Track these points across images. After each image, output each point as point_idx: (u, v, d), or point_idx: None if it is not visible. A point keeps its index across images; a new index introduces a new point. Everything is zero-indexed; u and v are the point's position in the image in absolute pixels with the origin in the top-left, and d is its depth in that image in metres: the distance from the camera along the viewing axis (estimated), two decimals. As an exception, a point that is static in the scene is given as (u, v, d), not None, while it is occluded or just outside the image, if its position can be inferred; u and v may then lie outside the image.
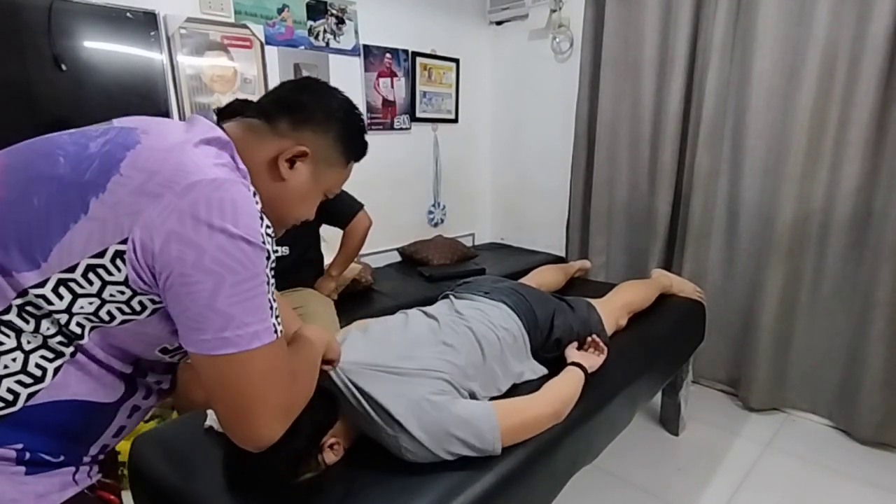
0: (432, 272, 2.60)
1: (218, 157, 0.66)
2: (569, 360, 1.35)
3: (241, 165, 0.70)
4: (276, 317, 0.65)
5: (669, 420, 2.06)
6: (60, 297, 0.59)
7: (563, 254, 3.00)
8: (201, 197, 0.59)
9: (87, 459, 0.69)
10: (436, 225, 3.25)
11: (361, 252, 2.03)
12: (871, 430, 1.93)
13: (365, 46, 2.64)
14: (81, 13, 1.78)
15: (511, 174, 3.37)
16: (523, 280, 1.87)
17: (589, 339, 1.46)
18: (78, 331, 0.61)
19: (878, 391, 1.90)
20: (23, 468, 0.61)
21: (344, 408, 1.05)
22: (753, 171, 2.13)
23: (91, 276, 0.59)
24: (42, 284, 0.59)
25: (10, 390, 0.59)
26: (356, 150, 0.84)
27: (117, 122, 0.70)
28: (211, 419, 1.17)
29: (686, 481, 1.79)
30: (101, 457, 0.73)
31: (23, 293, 0.59)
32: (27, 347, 0.60)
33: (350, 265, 2.05)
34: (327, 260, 2.01)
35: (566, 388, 1.24)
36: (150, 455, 1.11)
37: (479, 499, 0.97)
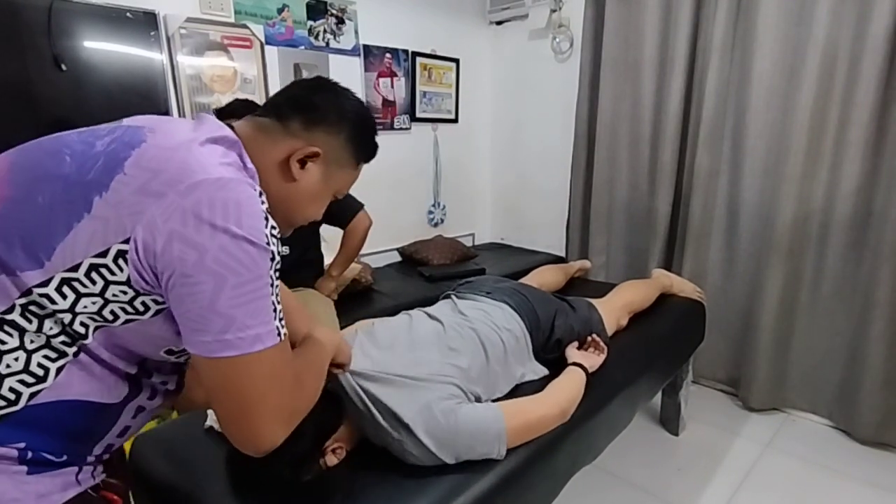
0: (432, 272, 2.60)
1: (224, 157, 0.66)
2: (569, 361, 1.35)
3: (250, 165, 0.70)
4: (281, 319, 0.64)
5: (669, 420, 2.06)
6: (64, 297, 0.59)
7: (563, 254, 3.00)
8: (204, 196, 0.58)
9: (90, 459, 0.68)
10: (436, 225, 3.25)
11: (361, 252, 2.03)
12: (871, 430, 1.93)
13: (365, 46, 2.64)
14: (81, 13, 1.78)
15: (511, 174, 3.37)
16: (523, 280, 1.87)
17: (589, 338, 1.46)
18: (82, 330, 0.61)
19: (878, 391, 1.90)
20: (24, 468, 0.60)
21: (349, 411, 1.05)
22: (753, 171, 2.13)
23: (94, 275, 0.59)
24: (45, 283, 0.58)
25: (11, 389, 0.59)
26: (367, 151, 0.84)
27: (127, 122, 0.70)
28: (211, 419, 1.17)
29: (686, 481, 1.79)
30: (106, 456, 0.72)
31: (27, 292, 0.58)
32: (30, 347, 0.60)
33: (350, 265, 2.05)
34: (327, 260, 2.01)
35: (569, 388, 1.24)
36: (150, 455, 1.11)
37: (480, 499, 0.97)
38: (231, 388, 0.62)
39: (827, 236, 2.00)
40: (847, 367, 2.01)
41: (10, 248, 0.59)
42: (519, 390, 1.29)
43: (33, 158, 0.65)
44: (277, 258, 0.64)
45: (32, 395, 0.60)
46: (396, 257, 2.98)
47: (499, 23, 3.20)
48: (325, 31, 2.48)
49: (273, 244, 0.63)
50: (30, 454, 0.61)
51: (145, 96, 1.96)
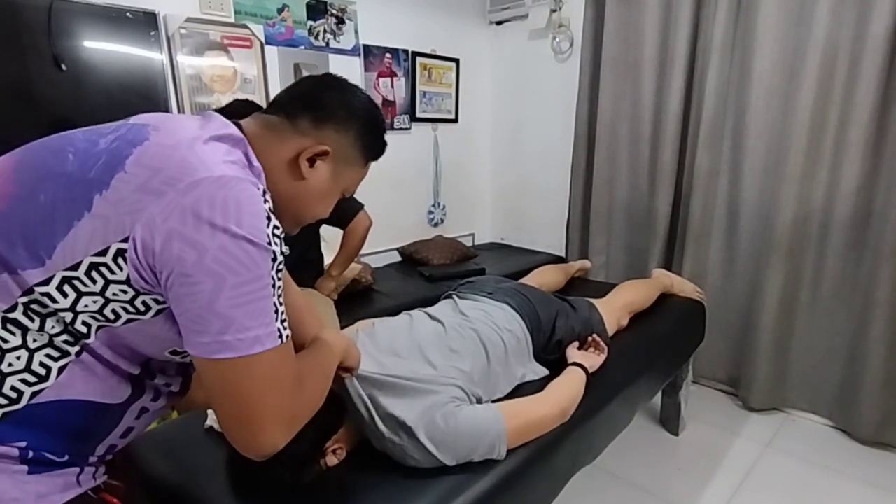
0: (432, 272, 2.60)
1: (228, 155, 0.65)
2: (569, 361, 1.35)
3: (256, 163, 0.69)
4: (283, 321, 0.63)
5: (669, 420, 2.06)
6: (65, 296, 0.58)
7: (563, 254, 3.00)
8: (204, 195, 0.58)
9: (93, 459, 0.68)
10: (436, 225, 3.25)
11: (361, 252, 2.03)
12: (871, 430, 1.93)
13: (365, 46, 2.64)
14: (81, 13, 1.78)
15: (511, 174, 3.36)
16: (524, 280, 1.87)
17: (590, 338, 1.46)
18: (84, 330, 0.61)
19: (878, 391, 1.90)
20: (25, 467, 0.60)
21: (351, 414, 1.04)
22: (753, 171, 2.13)
23: (94, 274, 0.58)
24: (47, 282, 0.58)
25: (13, 388, 0.59)
26: (376, 149, 0.84)
27: (133, 119, 0.69)
28: (211, 419, 1.17)
29: (686, 481, 1.79)
30: (109, 457, 0.72)
31: (28, 291, 0.58)
32: (32, 346, 0.59)
33: (350, 265, 2.05)
34: (327, 260, 2.01)
35: (570, 388, 1.24)
36: (150, 455, 1.11)
37: (480, 499, 0.96)
38: (230, 390, 0.61)
39: (827, 236, 2.00)
40: (847, 367, 2.01)
41: (12, 246, 0.59)
42: (519, 391, 1.29)
43: (38, 157, 0.65)
44: (280, 258, 0.63)
45: (34, 395, 0.60)
46: (396, 257, 2.98)
47: (499, 23, 3.20)
48: (325, 31, 2.48)
49: (275, 244, 0.62)
50: (31, 453, 0.60)
51: (145, 96, 1.96)
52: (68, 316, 0.59)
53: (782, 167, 2.01)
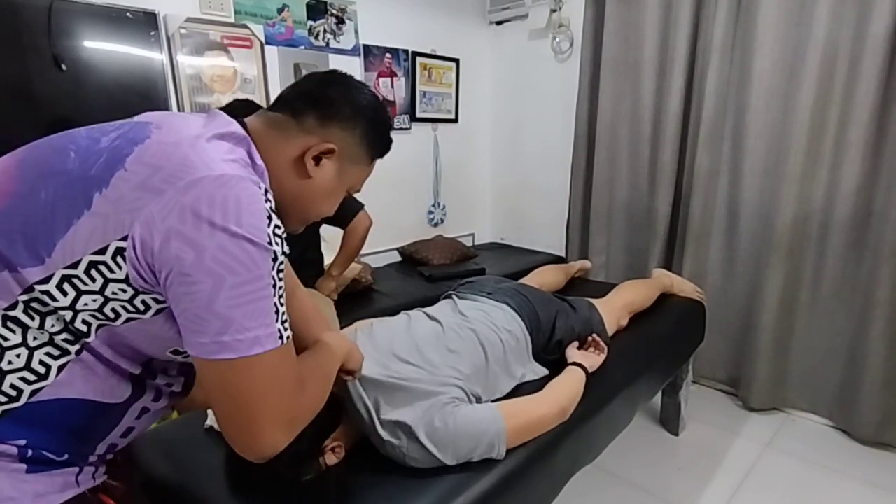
0: (432, 272, 2.60)
1: (230, 153, 0.64)
2: (569, 360, 1.35)
3: (259, 162, 0.69)
4: (284, 322, 0.63)
5: (669, 420, 2.06)
6: (65, 294, 0.58)
7: (563, 254, 3.00)
8: (204, 194, 0.57)
9: (93, 459, 0.68)
10: (436, 225, 3.25)
11: (361, 252, 2.03)
12: (871, 430, 1.93)
13: (365, 46, 2.64)
14: (81, 13, 1.78)
15: (511, 174, 3.36)
16: (524, 280, 1.87)
17: (589, 338, 1.46)
18: (84, 329, 0.60)
19: (878, 391, 1.90)
20: (24, 466, 0.60)
21: (351, 415, 1.04)
22: (753, 171, 2.13)
23: (93, 272, 0.58)
24: (46, 280, 0.58)
25: (13, 386, 0.59)
26: (382, 146, 0.83)
27: (137, 118, 0.69)
28: (211, 419, 1.17)
29: (686, 481, 1.79)
30: (110, 456, 0.71)
31: (28, 289, 0.58)
32: (32, 344, 0.59)
33: (350, 265, 2.05)
34: (327, 260, 2.01)
35: (569, 387, 1.24)
36: (150, 455, 1.11)
37: (480, 499, 0.96)
38: (230, 390, 0.60)
39: (827, 236, 2.00)
40: (847, 367, 2.01)
41: (13, 244, 0.58)
42: (519, 390, 1.29)
43: (40, 155, 0.64)
44: (281, 258, 0.62)
45: (34, 393, 0.60)
46: (396, 257, 2.98)
47: (499, 23, 3.20)
48: (325, 31, 2.48)
49: (276, 244, 0.61)
50: (30, 452, 0.60)
51: (145, 96, 1.96)
52: (68, 314, 0.59)
53: (782, 167, 2.01)
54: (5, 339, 0.58)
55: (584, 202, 2.77)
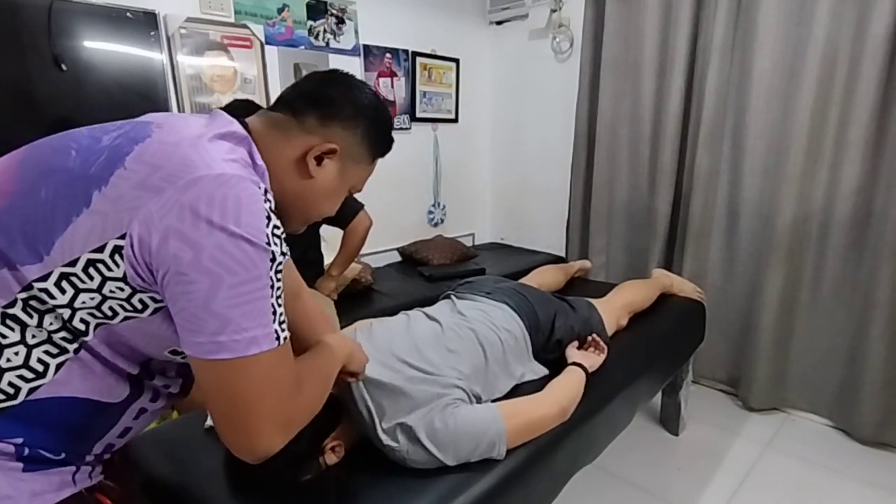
0: (432, 272, 2.60)
1: (230, 153, 0.64)
2: (569, 360, 1.35)
3: (260, 162, 0.69)
4: (282, 323, 0.62)
5: (669, 420, 2.06)
6: (63, 292, 0.58)
7: (563, 254, 3.00)
8: (203, 193, 0.57)
9: (89, 459, 0.68)
10: (436, 225, 3.25)
11: (361, 252, 2.03)
12: (871, 430, 1.93)
13: (365, 46, 2.64)
14: (81, 13, 1.78)
15: (511, 174, 3.36)
16: (523, 280, 1.87)
17: (589, 338, 1.46)
18: (82, 327, 0.60)
19: (878, 391, 1.90)
20: (20, 464, 0.60)
21: (351, 413, 1.04)
22: (753, 171, 2.13)
23: (91, 270, 0.58)
24: (45, 278, 0.58)
25: (10, 384, 0.59)
26: (383, 146, 0.83)
27: (139, 119, 0.69)
28: (211, 419, 1.17)
29: (686, 481, 1.79)
30: (107, 456, 0.71)
31: (27, 287, 0.58)
32: (31, 342, 0.59)
33: (350, 265, 2.05)
34: (327, 260, 2.01)
35: (569, 387, 1.24)
36: (150, 455, 1.11)
37: (480, 499, 0.96)
38: (226, 390, 0.60)
39: (827, 236, 2.00)
40: (847, 367, 2.01)
41: (12, 242, 0.58)
42: (519, 390, 1.29)
43: (41, 154, 0.65)
44: (279, 259, 0.62)
45: (31, 391, 0.60)
46: (396, 257, 2.98)
47: (499, 23, 3.20)
48: (325, 30, 2.48)
49: (274, 244, 0.61)
50: (27, 451, 0.60)
51: (145, 96, 1.96)
52: (66, 312, 0.59)
53: (782, 167, 2.01)
54: (4, 336, 0.58)
55: (584, 202, 2.77)
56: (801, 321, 2.10)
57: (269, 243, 0.60)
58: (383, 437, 1.01)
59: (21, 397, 0.59)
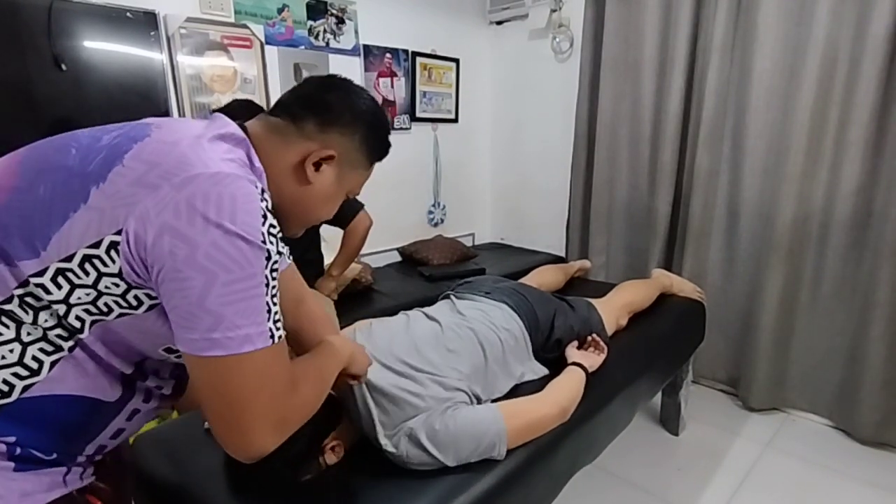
0: (432, 272, 2.60)
1: (228, 153, 0.65)
2: (569, 360, 1.35)
3: (257, 164, 0.69)
4: (276, 321, 0.63)
5: (669, 420, 2.06)
6: (59, 287, 0.58)
7: (563, 254, 3.00)
8: (199, 190, 0.57)
9: (81, 459, 0.68)
10: (436, 225, 3.25)
11: (361, 252, 2.03)
12: (871, 430, 1.93)
13: (365, 46, 2.64)
14: (81, 13, 1.78)
15: (511, 174, 3.37)
16: (523, 280, 1.87)
17: (589, 338, 1.46)
18: (77, 324, 0.60)
19: (878, 391, 1.90)
20: (12, 464, 0.60)
21: (352, 414, 1.04)
22: (753, 171, 2.13)
23: (87, 266, 0.58)
24: (41, 273, 0.58)
25: (5, 381, 0.59)
26: (380, 151, 0.84)
27: (141, 121, 0.70)
28: (209, 419, 1.17)
29: (686, 481, 1.79)
30: (98, 457, 0.71)
31: (24, 283, 0.58)
32: (26, 339, 0.59)
33: (350, 265, 2.05)
34: (327, 260, 2.01)
35: (569, 387, 1.24)
36: (150, 455, 1.11)
37: (480, 499, 0.97)
38: (220, 388, 0.60)
39: (827, 236, 2.00)
40: (847, 367, 2.01)
41: (10, 237, 0.59)
42: (519, 390, 1.29)
43: (42, 153, 0.65)
44: (275, 258, 0.62)
45: (25, 388, 0.60)
46: (396, 257, 2.98)
47: (499, 23, 3.20)
48: (325, 30, 2.48)
49: (270, 243, 0.61)
50: (19, 450, 0.60)
51: (145, 96, 1.96)
52: (62, 308, 0.59)
53: (782, 167, 2.01)
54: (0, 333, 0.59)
55: (584, 202, 2.77)
56: (801, 321, 2.10)
57: (264, 241, 0.60)
58: (384, 441, 1.01)
59: (15, 395, 0.59)
